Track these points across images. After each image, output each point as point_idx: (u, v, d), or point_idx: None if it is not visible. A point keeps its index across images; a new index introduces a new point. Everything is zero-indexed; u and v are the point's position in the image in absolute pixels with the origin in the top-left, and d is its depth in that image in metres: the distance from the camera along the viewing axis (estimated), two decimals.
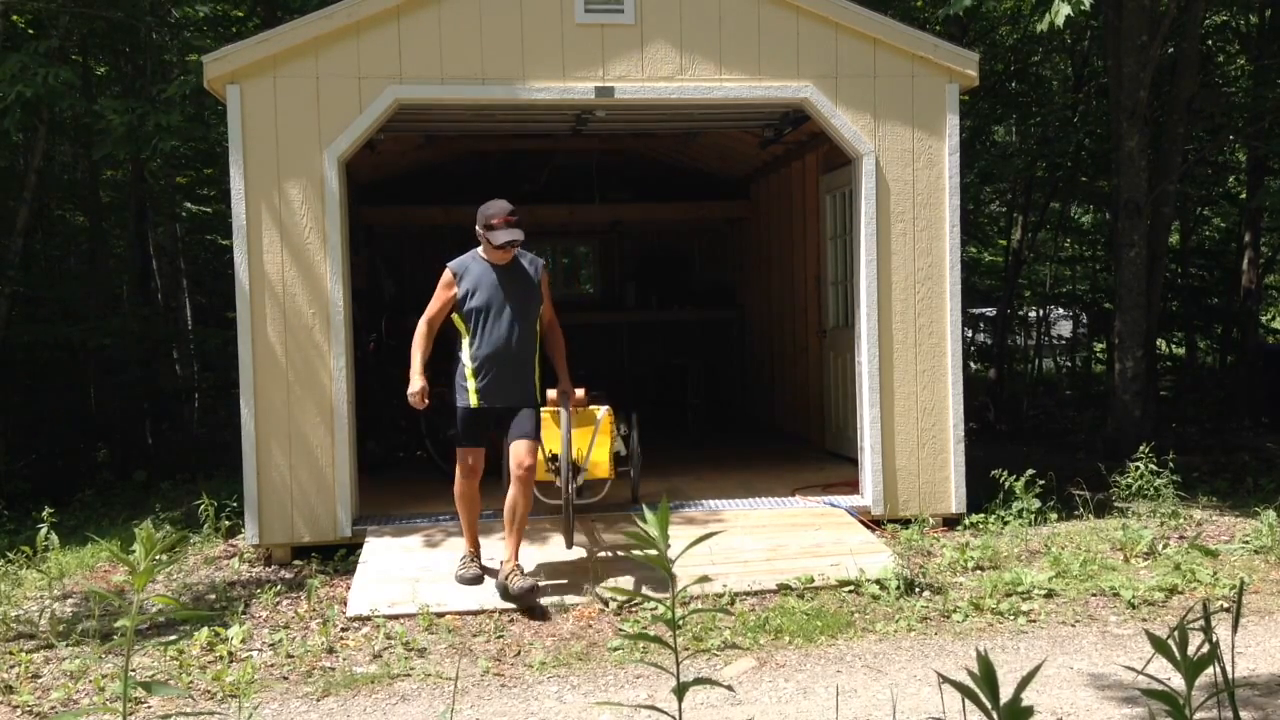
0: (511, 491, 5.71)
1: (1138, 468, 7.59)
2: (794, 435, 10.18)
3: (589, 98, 6.90)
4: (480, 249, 5.84)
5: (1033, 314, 17.25)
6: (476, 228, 5.76)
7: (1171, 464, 7.50)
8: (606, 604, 5.60)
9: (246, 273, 6.64)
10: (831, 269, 8.88)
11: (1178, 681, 1.97)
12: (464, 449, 5.84)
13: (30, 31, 10.85)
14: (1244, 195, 14.22)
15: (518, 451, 5.68)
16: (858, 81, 7.09)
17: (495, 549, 6.41)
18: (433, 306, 5.81)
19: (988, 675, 1.83)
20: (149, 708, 4.52)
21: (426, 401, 5.68)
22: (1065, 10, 7.13)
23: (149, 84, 11.95)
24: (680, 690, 2.08)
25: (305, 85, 6.67)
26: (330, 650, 5.18)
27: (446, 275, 5.82)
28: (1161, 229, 10.42)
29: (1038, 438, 11.48)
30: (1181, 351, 16.68)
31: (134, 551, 2.25)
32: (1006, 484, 7.17)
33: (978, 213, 15.83)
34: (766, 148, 9.68)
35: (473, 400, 5.70)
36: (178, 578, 6.51)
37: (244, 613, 5.69)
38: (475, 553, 6.02)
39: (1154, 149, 10.20)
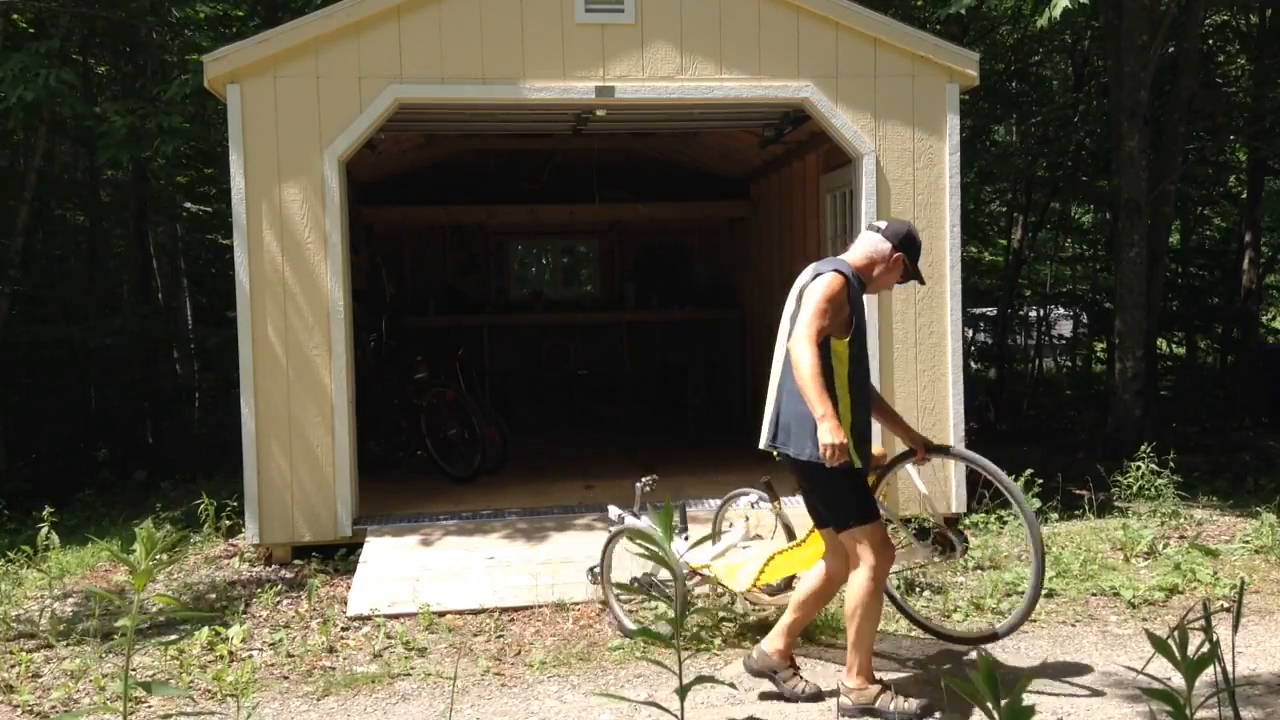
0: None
1: (1138, 467, 7.59)
2: None
3: (589, 97, 6.89)
4: (857, 262, 4.42)
5: (1033, 314, 17.23)
6: (887, 245, 4.40)
7: (1172, 464, 7.50)
8: (606, 603, 5.59)
9: (246, 272, 6.64)
10: None
11: (1178, 681, 1.97)
12: (865, 527, 4.28)
13: (31, 31, 10.85)
14: (1244, 195, 14.22)
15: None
16: (858, 81, 7.09)
17: (489, 546, 6.42)
18: (826, 323, 4.19)
19: (989, 675, 1.83)
20: (149, 707, 4.53)
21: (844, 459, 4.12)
22: (1063, 2, 7.14)
23: (149, 84, 11.95)
24: (683, 689, 2.08)
25: (305, 85, 6.66)
26: (330, 650, 5.19)
27: (839, 284, 4.23)
28: (1161, 229, 10.42)
29: (1038, 438, 11.46)
30: (1182, 351, 16.67)
31: (134, 551, 2.25)
32: None
33: (978, 213, 15.81)
34: (767, 147, 9.67)
35: (856, 460, 4.26)
36: (178, 577, 6.51)
37: (244, 612, 5.69)
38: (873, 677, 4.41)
39: (1154, 149, 10.20)
